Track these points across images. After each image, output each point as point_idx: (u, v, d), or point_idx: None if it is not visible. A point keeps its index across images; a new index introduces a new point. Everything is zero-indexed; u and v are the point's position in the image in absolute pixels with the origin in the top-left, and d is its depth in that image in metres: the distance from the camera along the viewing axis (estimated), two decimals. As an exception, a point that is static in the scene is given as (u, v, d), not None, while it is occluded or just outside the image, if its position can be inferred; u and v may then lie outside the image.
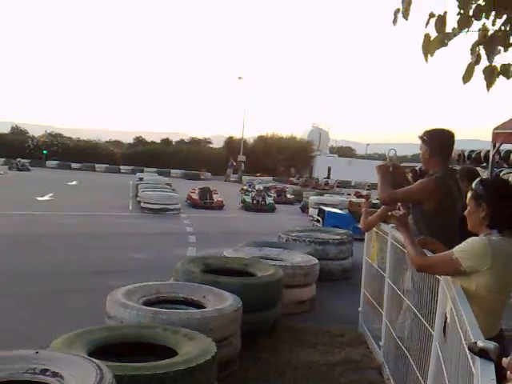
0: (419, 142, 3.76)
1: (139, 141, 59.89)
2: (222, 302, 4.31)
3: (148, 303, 4.30)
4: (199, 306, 4.42)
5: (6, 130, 57.85)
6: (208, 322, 3.94)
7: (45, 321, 5.41)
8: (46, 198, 19.49)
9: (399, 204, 4.10)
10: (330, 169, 50.87)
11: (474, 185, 2.68)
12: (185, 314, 4.02)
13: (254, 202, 20.08)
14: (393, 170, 4.01)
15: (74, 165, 46.20)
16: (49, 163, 46.25)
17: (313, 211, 15.94)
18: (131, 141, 61.11)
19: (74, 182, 28.56)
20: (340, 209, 14.71)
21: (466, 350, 1.85)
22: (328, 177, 46.41)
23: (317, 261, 6.55)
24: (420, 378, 3.19)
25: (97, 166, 46.49)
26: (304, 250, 7.23)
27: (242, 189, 26.41)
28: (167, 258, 8.24)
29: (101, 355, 3.08)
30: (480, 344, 1.69)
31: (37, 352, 2.77)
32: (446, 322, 2.64)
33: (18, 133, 56.99)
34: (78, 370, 2.58)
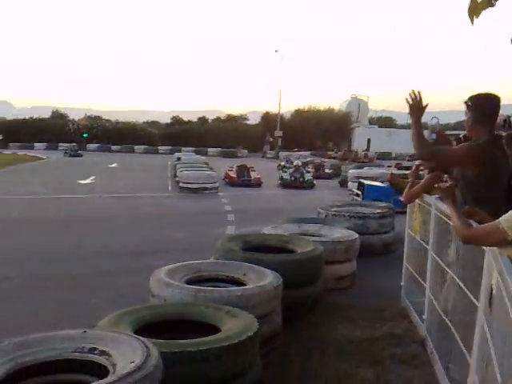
0: (462, 108, 3.60)
1: (176, 120, 60.43)
2: (263, 279, 4.33)
3: (190, 282, 4.37)
4: (240, 283, 4.46)
5: (47, 114, 59.23)
6: (249, 298, 3.97)
7: (91, 301, 5.58)
8: (87, 181, 19.97)
9: (446, 176, 3.97)
10: (369, 141, 50.09)
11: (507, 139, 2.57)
12: (226, 291, 4.07)
13: (293, 178, 19.94)
14: (438, 136, 3.81)
15: (113, 147, 47.06)
16: (89, 146, 47.24)
17: (352, 185, 15.74)
18: (168, 121, 61.69)
19: (113, 165, 29.13)
20: (380, 182, 14.48)
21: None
22: (367, 149, 45.75)
23: (357, 235, 6.48)
24: (464, 350, 3.14)
25: (135, 147, 47.25)
26: (344, 225, 7.16)
27: (280, 165, 26.33)
28: (207, 237, 8.33)
29: (145, 333, 3.15)
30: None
31: (84, 331, 2.86)
32: (491, 293, 2.58)
33: (58, 117, 58.29)
34: (125, 348, 2.66)
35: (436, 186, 3.83)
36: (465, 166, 3.52)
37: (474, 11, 3.20)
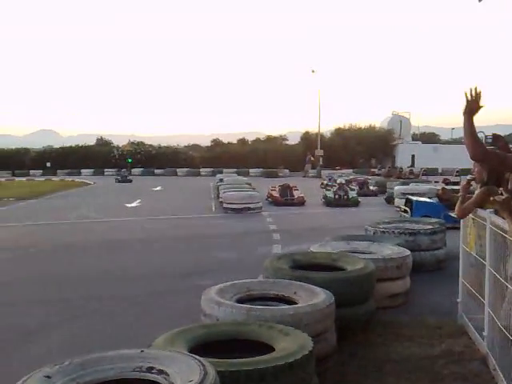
0: (508, 122, 3.49)
1: (216, 143, 61.09)
2: (314, 297, 4.27)
3: (240, 301, 4.34)
4: (290, 302, 4.41)
5: (92, 141, 61.08)
6: (301, 317, 3.91)
7: (143, 322, 5.64)
8: (134, 204, 20.37)
9: (500, 189, 3.85)
10: (413, 157, 49.15)
11: None
12: (278, 310, 4.03)
13: (337, 196, 19.72)
14: (494, 139, 3.64)
15: (156, 171, 47.96)
16: (133, 171, 48.34)
17: (399, 201, 15.43)
18: (208, 143, 62.48)
19: (158, 188, 29.62)
20: (429, 197, 14.16)
21: None
22: (412, 165, 44.88)
23: (409, 252, 6.32)
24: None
25: (178, 170, 47.99)
26: (394, 242, 7.00)
27: (323, 183, 26.14)
28: (253, 257, 8.33)
29: (200, 352, 3.14)
30: None
31: (142, 351, 2.87)
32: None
33: (103, 144, 59.98)
34: (182, 367, 2.65)
35: (492, 199, 3.71)
36: None
37: None
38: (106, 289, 7.20)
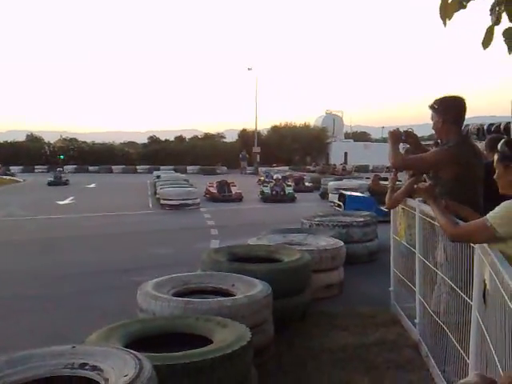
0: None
1: (153, 140, 60.21)
2: (252, 288, 4.28)
3: (178, 294, 4.29)
4: (228, 294, 4.39)
5: (22, 138, 58.59)
6: (239, 309, 3.91)
7: (77, 320, 5.45)
8: (66, 201, 19.70)
9: (425, 176, 4.03)
10: (346, 154, 50.60)
11: (499, 147, 2.60)
12: (215, 302, 4.00)
13: (274, 192, 19.95)
14: (405, 136, 3.95)
15: (91, 168, 46.62)
16: (66, 168, 46.75)
17: (333, 196, 15.80)
18: (145, 141, 61.45)
19: (92, 185, 28.81)
20: (360, 192, 14.58)
21: (510, 304, 1.79)
22: (345, 162, 46.13)
23: (343, 243, 6.48)
24: (461, 350, 3.13)
25: (113, 167, 46.86)
26: (328, 234, 7.16)
27: (260, 180, 26.33)
28: (191, 252, 8.24)
29: (136, 348, 3.06)
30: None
31: (73, 347, 2.77)
32: (485, 288, 2.58)
33: (33, 140, 57.69)
34: (117, 362, 2.57)
35: (416, 187, 3.89)
36: (439, 169, 3.58)
37: (445, 12, 3.23)
38: (37, 288, 6.91)
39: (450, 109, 3.61)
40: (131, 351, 2.73)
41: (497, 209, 2.50)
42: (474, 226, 2.66)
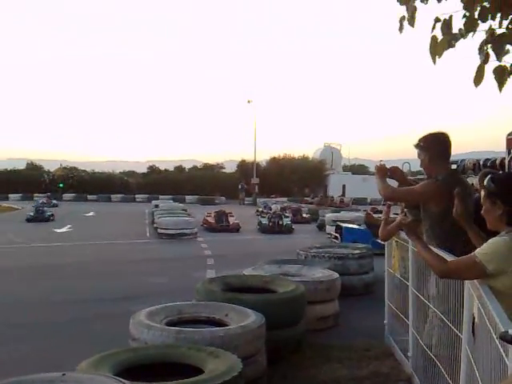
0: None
1: (152, 169, 60.42)
2: (245, 319, 4.27)
3: (171, 324, 4.28)
4: (222, 324, 4.38)
5: (22, 166, 58.77)
6: (231, 339, 3.90)
7: (69, 347, 5.41)
8: (64, 229, 19.68)
9: (406, 210, 4.08)
10: (344, 186, 50.77)
11: (485, 183, 2.60)
12: (208, 332, 3.99)
13: (271, 223, 19.96)
14: (390, 172, 4.02)
15: (90, 196, 46.69)
16: (65, 196, 46.76)
17: (330, 228, 15.84)
18: (145, 170, 61.67)
19: (90, 213, 28.81)
20: (358, 224, 14.61)
21: (497, 341, 1.82)
22: (343, 194, 46.23)
23: (338, 275, 6.48)
24: (451, 383, 3.12)
25: (112, 196, 46.96)
26: (324, 266, 7.16)
27: (258, 211, 26.39)
28: (187, 281, 8.21)
29: (127, 377, 3.06)
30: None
31: (63, 374, 2.76)
32: (474, 322, 2.59)
33: (33, 168, 57.87)
34: (106, 390, 2.57)
35: (399, 222, 3.93)
36: (427, 202, 3.63)
37: (434, 51, 3.34)
38: (30, 315, 6.87)
39: (434, 145, 3.70)
40: (121, 379, 2.73)
41: (485, 245, 2.49)
42: (463, 262, 2.61)
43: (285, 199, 41.04)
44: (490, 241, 2.48)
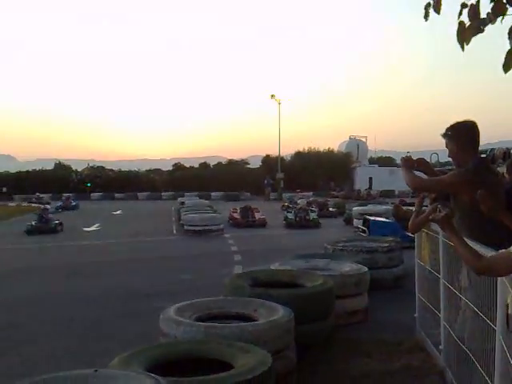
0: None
1: (178, 167, 60.86)
2: (273, 314, 4.27)
3: (200, 319, 4.30)
4: (250, 319, 4.38)
5: (50, 166, 59.92)
6: (260, 334, 3.89)
7: (101, 344, 5.49)
8: (93, 228, 19.97)
9: (439, 205, 3.99)
10: (371, 179, 50.26)
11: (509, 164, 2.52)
12: (237, 327, 4.00)
13: (297, 218, 19.87)
14: (417, 164, 3.95)
15: (117, 195, 47.25)
16: (93, 195, 47.45)
17: (357, 222, 15.71)
18: (170, 168, 62.14)
19: (118, 212, 29.17)
20: (386, 217, 14.45)
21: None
22: (370, 187, 45.80)
23: (367, 269, 6.41)
24: (486, 376, 3.05)
25: (139, 194, 47.43)
26: (352, 260, 7.09)
27: (284, 205, 26.33)
28: (215, 278, 8.26)
29: (157, 372, 3.08)
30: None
31: (96, 370, 2.80)
32: (508, 312, 2.52)
33: (61, 168, 58.91)
34: (138, 386, 2.59)
35: (430, 217, 3.82)
36: (458, 192, 3.55)
37: (463, 36, 3.24)
38: (61, 312, 7.00)
39: (462, 133, 3.62)
40: (152, 375, 2.75)
41: None
42: (499, 257, 2.49)
43: (310, 193, 40.88)
44: None
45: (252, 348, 3.51)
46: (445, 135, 3.69)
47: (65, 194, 43.06)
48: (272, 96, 48.46)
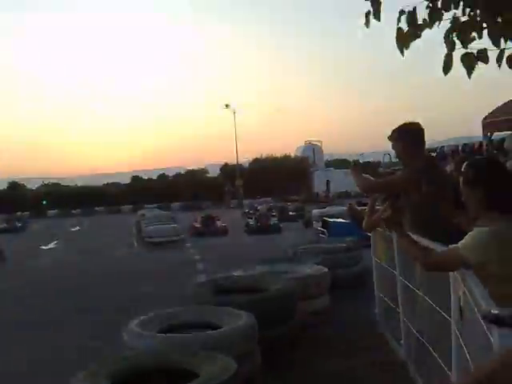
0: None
1: (136, 179, 60.28)
2: (236, 320, 4.29)
3: (163, 331, 4.28)
4: (214, 327, 4.40)
5: (3, 186, 58.33)
6: (224, 341, 3.91)
7: (59, 361, 5.39)
8: (50, 245, 19.53)
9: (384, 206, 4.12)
10: (328, 182, 51.05)
11: (462, 169, 2.60)
12: (200, 336, 4.01)
13: (258, 224, 20.03)
14: (364, 167, 4.12)
15: (74, 211, 46.40)
16: (50, 213, 46.44)
17: (317, 224, 15.93)
18: (128, 181, 61.49)
19: (76, 228, 28.60)
20: (343, 219, 14.69)
21: (482, 321, 1.85)
22: (327, 190, 46.48)
23: (327, 269, 6.52)
24: (444, 366, 3.17)
25: (97, 208, 46.71)
26: (313, 261, 7.20)
27: (245, 212, 26.45)
28: (178, 288, 8.21)
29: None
30: (494, 311, 1.68)
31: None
32: (461, 306, 2.63)
33: (15, 187, 57.48)
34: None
35: (383, 217, 3.90)
36: (407, 191, 3.67)
37: (402, 42, 3.38)
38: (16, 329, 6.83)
39: (406, 134, 3.78)
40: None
41: (467, 237, 2.45)
42: (446, 255, 2.60)
43: (270, 199, 41.18)
44: (472, 233, 2.45)
45: (216, 355, 3.52)
46: (390, 138, 3.84)
47: (18, 213, 41.85)
48: (226, 106, 48.71)
